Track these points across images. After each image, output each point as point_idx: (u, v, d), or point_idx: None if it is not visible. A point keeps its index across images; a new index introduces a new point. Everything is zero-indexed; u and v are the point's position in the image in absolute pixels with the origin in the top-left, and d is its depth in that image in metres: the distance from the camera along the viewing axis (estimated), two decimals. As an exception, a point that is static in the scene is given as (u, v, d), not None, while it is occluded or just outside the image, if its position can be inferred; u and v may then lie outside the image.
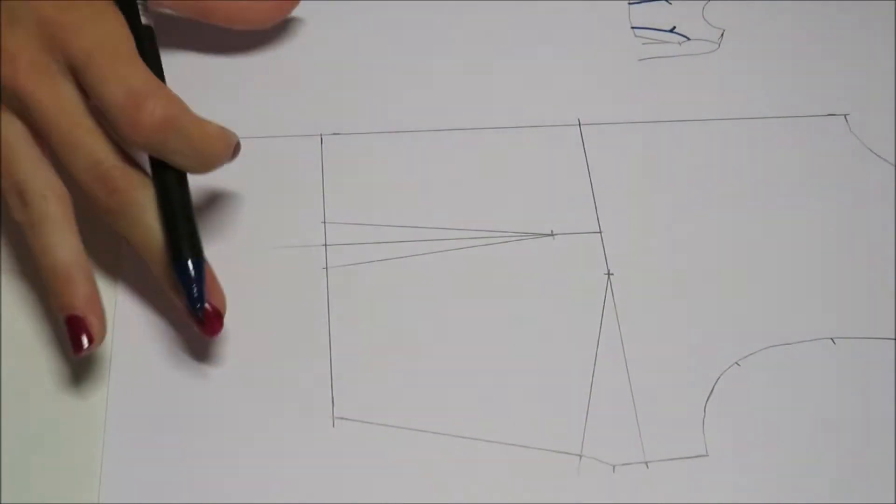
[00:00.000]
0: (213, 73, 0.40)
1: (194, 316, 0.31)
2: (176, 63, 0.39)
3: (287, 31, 0.41)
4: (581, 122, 0.40)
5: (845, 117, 0.41)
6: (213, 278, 0.33)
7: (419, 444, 0.32)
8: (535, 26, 0.42)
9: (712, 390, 0.34)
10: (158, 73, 0.34)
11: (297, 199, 0.37)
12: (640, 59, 0.42)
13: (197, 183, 0.36)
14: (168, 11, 0.39)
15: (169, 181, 0.32)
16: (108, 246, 0.35)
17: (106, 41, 0.32)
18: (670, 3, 0.44)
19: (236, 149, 0.33)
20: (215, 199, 0.37)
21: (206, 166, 0.32)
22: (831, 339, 0.35)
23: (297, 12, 0.41)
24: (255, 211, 0.37)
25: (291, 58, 0.40)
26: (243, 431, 0.32)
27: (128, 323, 0.34)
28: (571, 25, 0.42)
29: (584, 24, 0.43)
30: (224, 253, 0.35)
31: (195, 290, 0.31)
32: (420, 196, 0.37)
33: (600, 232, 0.37)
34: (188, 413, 0.32)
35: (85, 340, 0.31)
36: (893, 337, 0.36)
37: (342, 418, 0.33)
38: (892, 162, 0.40)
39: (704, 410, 0.34)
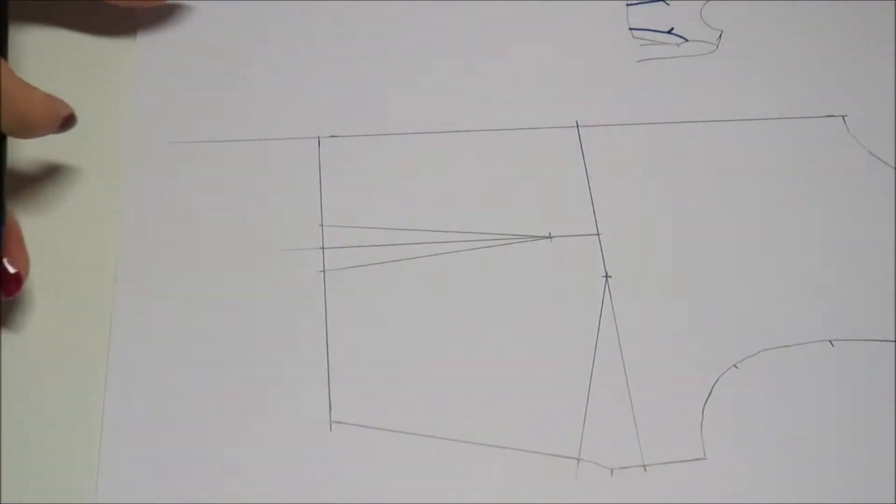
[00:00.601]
0: (213, 76, 0.39)
1: None
2: (173, 66, 0.39)
3: (285, 32, 0.41)
4: (579, 124, 0.40)
5: (843, 119, 0.41)
6: (18, 242, 0.33)
7: (416, 447, 0.32)
8: (534, 28, 0.42)
9: (710, 393, 0.34)
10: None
11: (294, 201, 0.37)
12: (639, 61, 0.42)
13: (196, 186, 0.37)
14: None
15: None
16: (103, 250, 0.35)
17: None
18: (668, 4, 0.43)
19: (67, 120, 0.34)
20: (212, 202, 0.37)
21: (25, 131, 0.33)
22: (829, 341, 0.35)
23: (298, 14, 0.41)
24: (253, 214, 0.36)
25: (290, 60, 0.40)
26: (240, 434, 0.32)
27: (125, 324, 0.34)
28: (569, 27, 0.42)
29: (582, 25, 0.42)
30: (221, 256, 0.35)
31: None
32: (418, 198, 0.37)
33: (598, 234, 0.37)
34: (186, 416, 0.32)
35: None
36: (892, 339, 0.36)
37: (339, 422, 0.33)
38: (891, 164, 0.39)
39: (703, 413, 0.34)
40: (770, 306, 0.36)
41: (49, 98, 0.34)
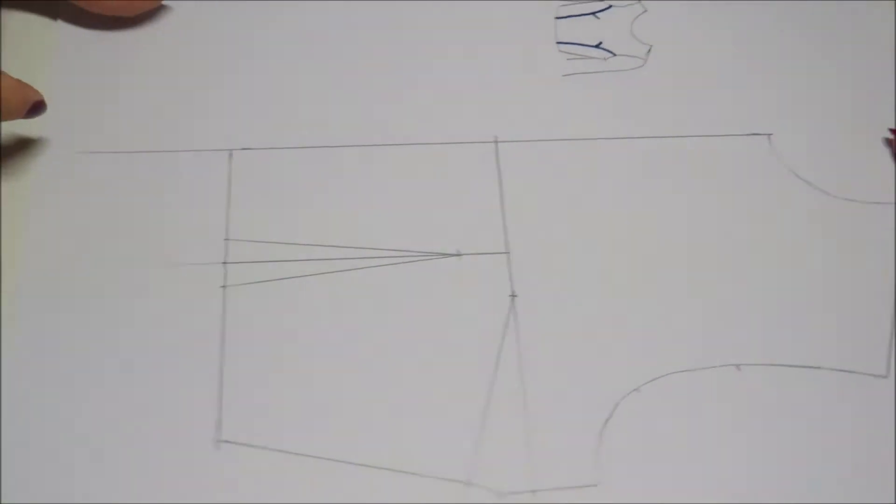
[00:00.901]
0: (126, 87, 0.39)
1: None
2: (85, 76, 0.39)
3: (199, 44, 0.41)
4: (498, 140, 0.39)
5: (768, 137, 0.40)
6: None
7: (304, 468, 0.32)
8: (460, 40, 0.42)
9: (609, 417, 0.34)
10: None
11: (201, 215, 0.37)
12: (565, 75, 0.41)
13: (104, 196, 0.36)
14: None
15: None
16: (6, 260, 0.35)
17: None
18: (598, 18, 0.43)
19: (36, 107, 0.35)
20: (117, 213, 0.36)
21: None
22: (736, 365, 0.35)
23: (212, 25, 0.41)
24: (158, 226, 0.36)
25: (204, 72, 0.40)
26: (122, 448, 0.32)
27: (20, 335, 0.34)
28: (496, 40, 0.42)
29: (510, 38, 0.42)
30: (122, 268, 0.35)
31: None
32: (329, 213, 0.37)
33: (508, 253, 0.37)
34: (74, 431, 0.32)
35: None
36: (798, 364, 0.35)
37: (226, 441, 0.32)
38: (812, 183, 0.39)
39: (600, 438, 0.33)
40: (677, 329, 0.35)
41: (20, 83, 0.34)
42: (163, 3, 0.41)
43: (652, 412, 0.34)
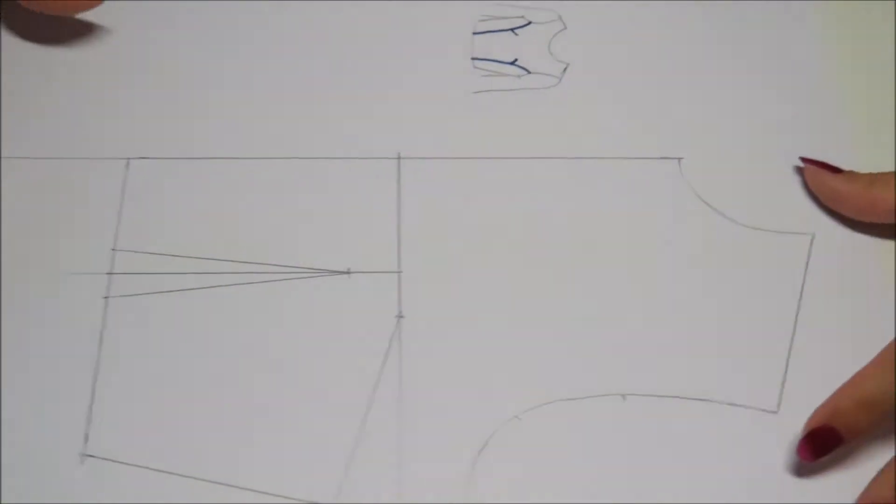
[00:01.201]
0: (27, 92, 0.39)
1: None
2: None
3: (103, 52, 0.40)
4: (401, 156, 0.39)
5: (679, 161, 0.39)
6: None
7: (168, 486, 0.32)
8: (372, 52, 0.41)
9: (485, 445, 0.33)
10: None
11: (90, 223, 0.36)
12: (475, 92, 0.40)
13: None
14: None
15: None
16: None
17: None
18: (517, 35, 0.42)
19: None
20: (7, 219, 0.36)
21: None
22: (622, 395, 0.34)
23: (117, 33, 0.41)
24: (45, 233, 0.36)
25: (106, 76, 0.40)
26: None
27: None
28: (409, 54, 0.41)
29: (423, 53, 0.41)
30: (3, 272, 0.35)
31: None
32: (220, 226, 0.37)
33: (399, 272, 0.36)
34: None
35: None
36: (685, 396, 0.34)
37: (91, 455, 0.32)
38: (719, 210, 0.38)
39: (474, 464, 0.33)
40: (564, 357, 0.35)
41: None
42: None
43: (531, 441, 0.33)
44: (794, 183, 0.39)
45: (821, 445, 0.32)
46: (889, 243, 0.37)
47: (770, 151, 0.39)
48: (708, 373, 0.35)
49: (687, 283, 0.36)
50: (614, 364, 0.35)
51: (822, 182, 0.38)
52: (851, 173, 0.37)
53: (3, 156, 0.37)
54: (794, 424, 0.33)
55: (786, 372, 0.35)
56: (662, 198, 0.38)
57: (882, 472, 0.32)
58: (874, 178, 0.37)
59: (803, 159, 0.39)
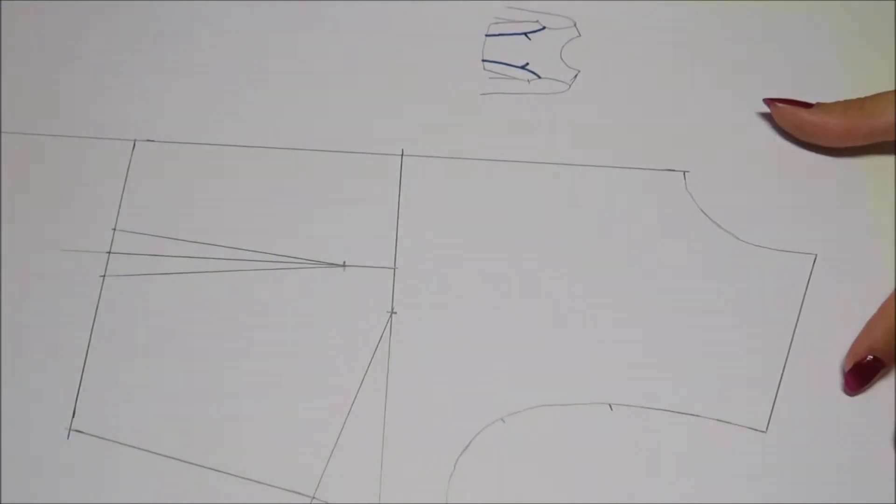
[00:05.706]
0: (35, 69, 0.39)
1: None
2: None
3: (115, 32, 0.41)
4: (404, 153, 0.39)
5: (684, 174, 0.39)
6: None
7: (151, 466, 0.32)
8: (382, 49, 0.41)
9: (468, 445, 0.33)
10: None
11: (93, 203, 0.37)
12: (483, 94, 0.40)
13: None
14: None
15: None
16: None
17: None
18: (529, 39, 0.42)
19: None
20: (9, 197, 0.37)
21: None
22: (608, 404, 0.34)
23: (128, 15, 0.41)
24: (49, 211, 0.36)
25: (117, 60, 0.40)
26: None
27: None
28: (419, 53, 0.41)
29: (433, 52, 0.41)
30: (3, 248, 0.35)
31: None
32: (222, 213, 0.37)
33: (395, 268, 0.36)
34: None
35: None
36: (675, 409, 0.34)
37: (79, 431, 0.32)
38: (721, 226, 0.38)
39: (455, 465, 0.33)
40: (554, 362, 0.35)
41: None
42: None
43: (514, 444, 0.33)
44: (799, 202, 0.38)
45: (865, 374, 0.34)
46: (890, 271, 0.37)
47: (777, 170, 0.39)
48: (699, 388, 0.34)
49: (684, 295, 0.36)
50: (604, 373, 0.35)
51: (798, 117, 0.39)
52: (824, 104, 0.39)
53: (3, 131, 0.38)
54: (782, 445, 0.33)
55: (777, 392, 0.35)
56: (664, 209, 0.38)
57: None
58: (848, 105, 0.38)
59: (769, 100, 0.39)
